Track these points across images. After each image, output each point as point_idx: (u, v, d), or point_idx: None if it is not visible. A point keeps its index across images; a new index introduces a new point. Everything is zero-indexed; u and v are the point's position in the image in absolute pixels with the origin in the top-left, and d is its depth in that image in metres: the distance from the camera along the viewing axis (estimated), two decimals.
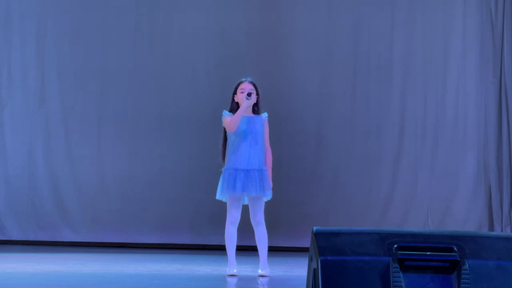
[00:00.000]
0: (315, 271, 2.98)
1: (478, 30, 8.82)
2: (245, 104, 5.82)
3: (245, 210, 5.95)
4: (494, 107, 8.77)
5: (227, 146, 5.94)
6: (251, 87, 5.91)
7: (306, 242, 6.96)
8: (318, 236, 3.01)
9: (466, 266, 2.97)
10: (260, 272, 5.88)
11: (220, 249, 8.04)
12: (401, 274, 2.95)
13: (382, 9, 8.85)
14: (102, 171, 8.77)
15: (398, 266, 2.95)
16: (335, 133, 8.78)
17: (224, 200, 5.91)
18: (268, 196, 5.88)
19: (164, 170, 8.75)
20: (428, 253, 2.99)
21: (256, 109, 5.98)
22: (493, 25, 8.78)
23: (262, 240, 5.89)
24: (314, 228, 3.04)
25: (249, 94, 5.82)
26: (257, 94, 5.94)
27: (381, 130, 8.78)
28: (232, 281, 5.63)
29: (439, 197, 8.72)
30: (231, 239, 5.87)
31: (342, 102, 8.80)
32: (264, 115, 6.00)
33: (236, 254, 5.94)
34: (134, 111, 8.79)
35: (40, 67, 8.82)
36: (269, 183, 5.87)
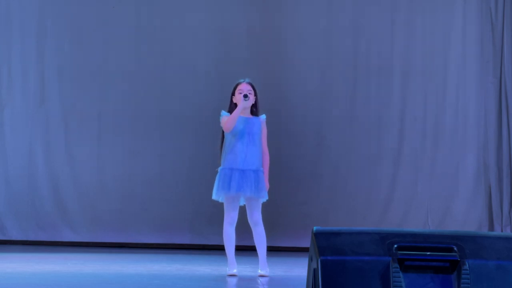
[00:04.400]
0: (315, 271, 2.98)
1: (478, 30, 8.81)
2: (242, 105, 5.81)
3: (243, 210, 5.94)
4: (494, 107, 8.77)
5: (223, 146, 5.94)
6: (249, 88, 5.91)
7: (306, 242, 6.94)
8: (318, 236, 3.01)
9: (466, 266, 2.97)
10: (260, 272, 5.88)
11: (220, 249, 8.02)
12: (401, 274, 2.95)
13: (382, 9, 8.85)
14: (102, 171, 8.77)
15: (398, 266, 2.95)
16: (335, 133, 8.78)
17: (220, 200, 5.91)
18: (263, 197, 5.88)
19: (164, 170, 8.75)
20: (428, 253, 2.99)
21: (254, 110, 5.97)
22: (493, 25, 8.78)
23: (260, 240, 5.89)
24: (314, 228, 3.04)
25: (245, 96, 5.81)
26: (255, 95, 5.93)
27: (381, 130, 8.78)
28: (232, 281, 5.64)
29: (439, 197, 8.72)
30: (229, 239, 5.87)
31: (342, 102, 8.80)
32: (262, 117, 5.99)
33: (236, 254, 5.94)
34: (134, 111, 8.79)
35: (40, 67, 8.82)
36: (264, 185, 5.86)
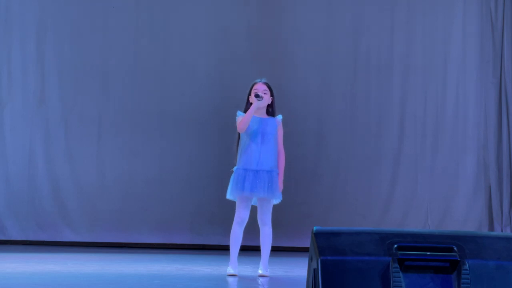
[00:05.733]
0: (315, 271, 2.98)
1: (478, 30, 8.82)
2: (255, 104, 5.81)
3: (252, 210, 5.93)
4: (494, 107, 8.77)
5: (239, 146, 5.93)
6: (265, 87, 5.90)
7: (306, 242, 6.93)
8: (318, 236, 3.01)
9: (466, 266, 2.97)
10: (260, 272, 5.88)
11: (220, 249, 8.05)
12: (401, 274, 2.94)
13: (382, 9, 8.85)
14: (102, 171, 8.77)
15: (398, 266, 2.95)
16: (335, 133, 8.79)
17: (234, 199, 5.90)
18: (276, 198, 5.87)
19: (164, 170, 8.75)
20: (428, 253, 2.99)
21: (270, 110, 5.97)
22: (493, 25, 8.78)
23: (266, 240, 5.88)
24: (314, 228, 3.04)
25: (257, 95, 5.81)
26: (272, 95, 5.93)
27: (381, 130, 8.79)
28: (232, 281, 5.63)
29: (439, 197, 8.72)
30: (236, 239, 5.87)
31: (342, 102, 8.81)
32: (279, 117, 5.99)
33: (238, 255, 5.93)
34: (134, 111, 8.79)
35: (40, 67, 8.82)
36: (278, 186, 5.85)
